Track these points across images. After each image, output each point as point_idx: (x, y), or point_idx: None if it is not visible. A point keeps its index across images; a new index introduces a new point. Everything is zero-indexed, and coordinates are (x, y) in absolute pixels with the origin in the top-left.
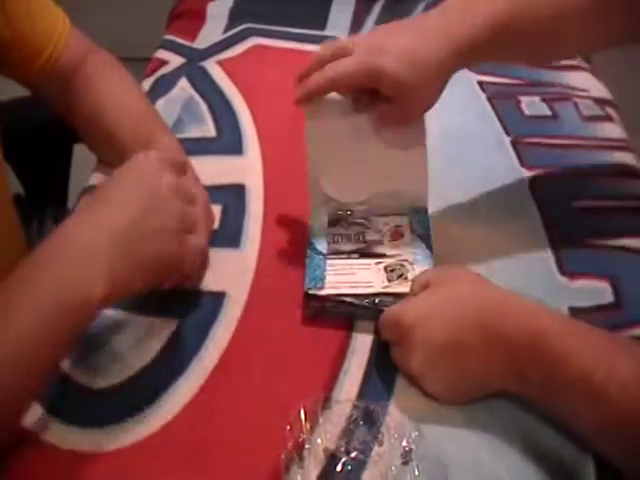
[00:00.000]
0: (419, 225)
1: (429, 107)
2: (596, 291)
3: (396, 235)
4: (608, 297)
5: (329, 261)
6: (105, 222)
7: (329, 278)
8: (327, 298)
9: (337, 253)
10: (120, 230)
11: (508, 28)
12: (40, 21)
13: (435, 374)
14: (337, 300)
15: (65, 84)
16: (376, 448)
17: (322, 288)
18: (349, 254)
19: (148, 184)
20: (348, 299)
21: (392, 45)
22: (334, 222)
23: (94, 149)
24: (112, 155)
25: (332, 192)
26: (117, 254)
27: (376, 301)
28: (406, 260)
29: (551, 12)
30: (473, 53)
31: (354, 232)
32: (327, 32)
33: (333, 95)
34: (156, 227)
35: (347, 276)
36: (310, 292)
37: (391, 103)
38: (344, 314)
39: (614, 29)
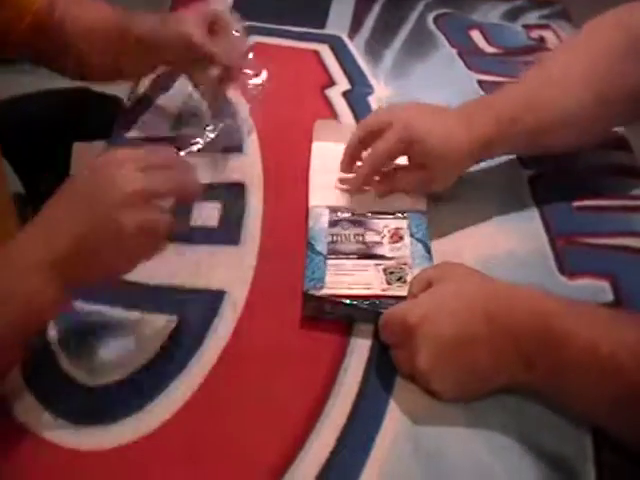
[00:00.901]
0: (417, 229)
1: (446, 185)
2: (596, 290)
3: (396, 237)
4: (608, 296)
5: (329, 261)
6: (49, 240)
7: (328, 279)
8: (326, 299)
9: (336, 253)
10: (63, 250)
11: (518, 122)
12: None
13: (443, 370)
14: (336, 301)
15: (45, 29)
16: None
17: (321, 288)
18: (348, 255)
19: (101, 196)
20: (347, 301)
21: (427, 120)
22: (333, 223)
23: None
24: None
25: (333, 202)
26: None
27: (376, 302)
28: (405, 263)
29: (557, 110)
30: (490, 146)
31: (354, 233)
32: (327, 31)
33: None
34: (103, 245)
35: (346, 277)
36: (309, 292)
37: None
38: (343, 317)
39: (616, 116)
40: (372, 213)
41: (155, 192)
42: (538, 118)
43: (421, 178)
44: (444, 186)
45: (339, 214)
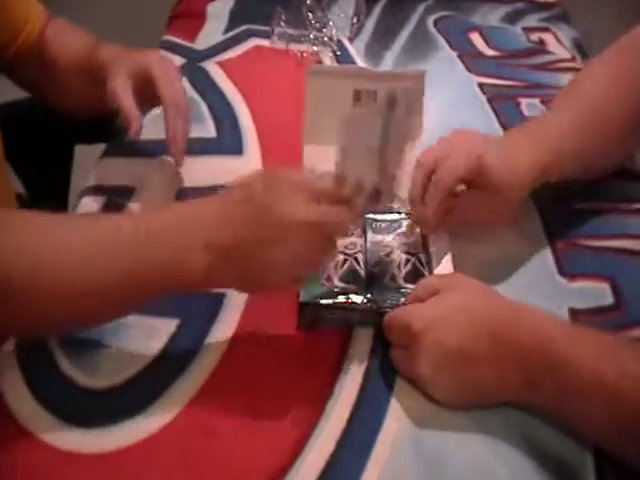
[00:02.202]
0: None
1: (509, 213)
2: (596, 292)
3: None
4: (608, 298)
5: None
6: (211, 235)
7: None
8: (323, 305)
9: None
10: (222, 246)
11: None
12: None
13: (444, 380)
14: (334, 306)
15: (34, 55)
16: None
17: (317, 297)
18: None
19: (271, 213)
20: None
21: (492, 147)
22: None
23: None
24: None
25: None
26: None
27: (374, 303)
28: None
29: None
30: (553, 170)
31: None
32: (327, 33)
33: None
34: (264, 258)
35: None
36: (305, 301)
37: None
38: (341, 323)
39: None
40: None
41: (324, 226)
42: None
43: (489, 209)
44: (510, 218)
45: None
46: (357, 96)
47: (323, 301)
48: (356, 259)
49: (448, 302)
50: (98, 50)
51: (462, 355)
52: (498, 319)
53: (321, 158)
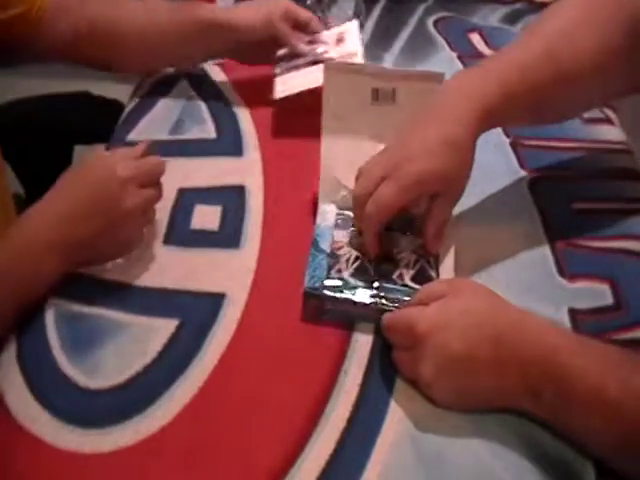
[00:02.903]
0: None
1: (468, 179)
2: (596, 293)
3: None
4: (608, 299)
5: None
6: (67, 230)
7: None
8: (326, 296)
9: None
10: (64, 217)
11: (517, 95)
12: None
13: (445, 384)
14: (336, 298)
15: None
16: None
17: (322, 287)
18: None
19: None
20: (348, 297)
21: (422, 143)
22: (341, 223)
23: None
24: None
25: (344, 177)
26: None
27: (379, 299)
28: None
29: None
30: (494, 118)
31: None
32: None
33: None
34: (100, 225)
35: None
36: (309, 290)
37: (440, 196)
38: (343, 316)
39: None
40: None
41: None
42: (560, 66)
43: (448, 201)
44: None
45: (347, 213)
46: (375, 94)
47: (327, 292)
48: (369, 260)
49: (454, 306)
50: (194, 10)
51: (465, 360)
52: (503, 324)
53: (339, 152)
